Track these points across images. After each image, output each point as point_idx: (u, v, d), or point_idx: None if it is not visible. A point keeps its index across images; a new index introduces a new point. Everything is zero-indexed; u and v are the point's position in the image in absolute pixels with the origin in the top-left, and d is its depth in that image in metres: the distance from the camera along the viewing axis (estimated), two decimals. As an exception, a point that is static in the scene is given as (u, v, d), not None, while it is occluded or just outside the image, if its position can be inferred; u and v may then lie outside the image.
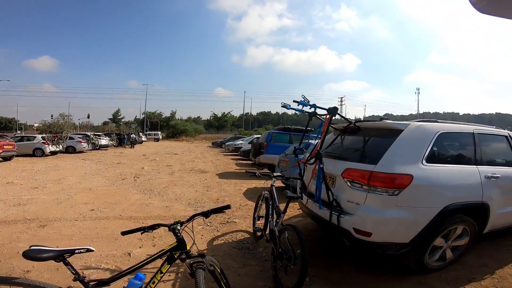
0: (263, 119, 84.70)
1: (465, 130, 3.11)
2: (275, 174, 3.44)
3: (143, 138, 37.15)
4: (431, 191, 2.55)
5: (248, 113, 71.86)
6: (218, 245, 3.59)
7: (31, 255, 1.34)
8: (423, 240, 2.54)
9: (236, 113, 76.82)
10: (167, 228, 1.66)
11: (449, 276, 2.76)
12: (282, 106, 3.43)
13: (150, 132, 49.12)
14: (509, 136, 3.50)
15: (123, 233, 1.66)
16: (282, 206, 2.99)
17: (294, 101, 3.22)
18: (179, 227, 1.68)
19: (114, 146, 26.19)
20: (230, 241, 3.70)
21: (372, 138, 3.08)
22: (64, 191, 6.62)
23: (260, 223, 3.79)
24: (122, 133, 30.72)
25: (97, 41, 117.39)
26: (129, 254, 3.24)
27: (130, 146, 27.05)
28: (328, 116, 3.07)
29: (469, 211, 2.74)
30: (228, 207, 1.85)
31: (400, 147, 2.63)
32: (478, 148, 3.03)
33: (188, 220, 1.75)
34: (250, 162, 13.82)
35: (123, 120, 67.35)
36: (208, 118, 74.44)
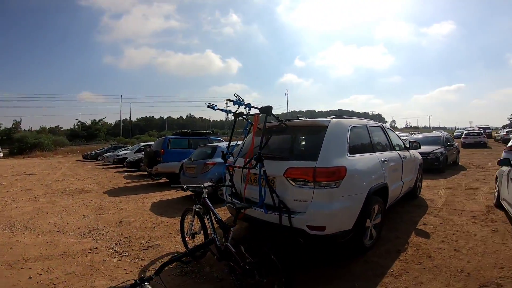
0: (145, 125, 77.67)
1: (363, 124, 3.73)
2: (205, 184, 3.07)
3: (-30, 159, 26.67)
4: (359, 179, 2.92)
5: (126, 119, 64.08)
6: (155, 276, 2.92)
7: None
8: (360, 223, 2.88)
9: (111, 119, 67.18)
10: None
11: (382, 251, 3.21)
12: (208, 107, 3.13)
13: (-19, 149, 35.76)
14: (383, 127, 4.48)
15: None
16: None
17: (229, 100, 2.99)
18: (149, 286, 1.18)
19: None
20: (166, 268, 3.06)
21: (301, 135, 3.24)
22: None
23: (191, 240, 3.32)
24: None
25: None
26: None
27: None
28: (259, 116, 3.01)
29: (379, 192, 3.29)
30: (211, 242, 1.45)
31: (330, 142, 2.86)
32: (372, 138, 3.72)
33: (158, 272, 1.27)
34: (143, 173, 12.27)
35: None
36: (72, 127, 61.59)
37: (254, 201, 3.00)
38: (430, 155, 9.20)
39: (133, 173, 13.06)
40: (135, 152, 16.52)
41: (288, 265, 2.22)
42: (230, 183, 3.43)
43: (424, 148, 9.56)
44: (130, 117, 66.28)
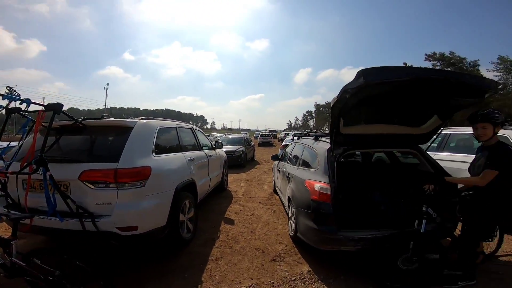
0: None
1: (172, 126, 4.00)
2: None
3: None
4: (165, 177, 3.09)
5: None
6: None
7: None
8: (173, 218, 3.08)
9: None
10: None
11: (201, 241, 3.58)
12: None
13: None
14: (193, 128, 4.99)
15: None
16: None
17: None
18: None
19: None
20: None
21: (102, 136, 3.02)
22: None
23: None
24: None
25: None
26: None
27: None
28: (44, 114, 2.51)
29: (187, 188, 3.63)
30: None
31: (135, 143, 2.87)
32: (180, 139, 4.06)
33: None
34: None
35: None
36: None
37: (44, 210, 2.50)
38: (235, 153, 11.17)
39: None
40: None
41: (103, 268, 2.21)
42: (2, 193, 2.67)
43: (230, 147, 11.50)
44: None
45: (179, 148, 3.91)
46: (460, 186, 2.76)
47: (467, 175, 2.58)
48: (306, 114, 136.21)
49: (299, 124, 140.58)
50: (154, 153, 3.05)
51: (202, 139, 5.35)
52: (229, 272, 2.91)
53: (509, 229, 3.00)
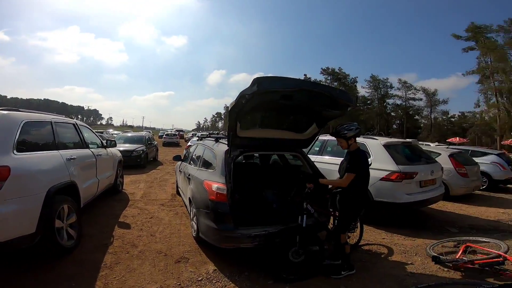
0: None
1: (45, 119, 3.38)
2: None
3: None
4: (32, 179, 2.62)
5: None
6: None
7: None
8: (47, 225, 2.67)
9: None
10: None
11: (90, 248, 3.28)
12: None
13: None
14: (76, 123, 4.31)
15: None
16: None
17: None
18: None
19: None
20: None
21: None
22: None
23: None
24: None
25: None
26: None
27: None
28: None
29: (66, 191, 3.14)
30: None
31: None
32: (56, 135, 3.45)
33: None
34: None
35: None
36: None
37: None
38: (134, 152, 10.21)
39: None
40: None
41: None
42: None
43: (129, 146, 10.45)
44: None
45: (55, 145, 3.31)
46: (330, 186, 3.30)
47: (338, 175, 3.10)
48: (216, 115, 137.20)
49: (208, 125, 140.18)
50: (15, 151, 2.53)
51: (89, 136, 4.67)
52: (129, 277, 2.72)
53: (367, 220, 3.77)
